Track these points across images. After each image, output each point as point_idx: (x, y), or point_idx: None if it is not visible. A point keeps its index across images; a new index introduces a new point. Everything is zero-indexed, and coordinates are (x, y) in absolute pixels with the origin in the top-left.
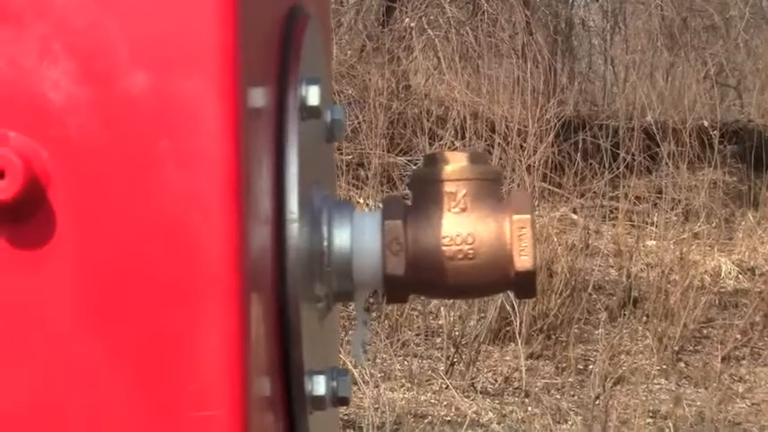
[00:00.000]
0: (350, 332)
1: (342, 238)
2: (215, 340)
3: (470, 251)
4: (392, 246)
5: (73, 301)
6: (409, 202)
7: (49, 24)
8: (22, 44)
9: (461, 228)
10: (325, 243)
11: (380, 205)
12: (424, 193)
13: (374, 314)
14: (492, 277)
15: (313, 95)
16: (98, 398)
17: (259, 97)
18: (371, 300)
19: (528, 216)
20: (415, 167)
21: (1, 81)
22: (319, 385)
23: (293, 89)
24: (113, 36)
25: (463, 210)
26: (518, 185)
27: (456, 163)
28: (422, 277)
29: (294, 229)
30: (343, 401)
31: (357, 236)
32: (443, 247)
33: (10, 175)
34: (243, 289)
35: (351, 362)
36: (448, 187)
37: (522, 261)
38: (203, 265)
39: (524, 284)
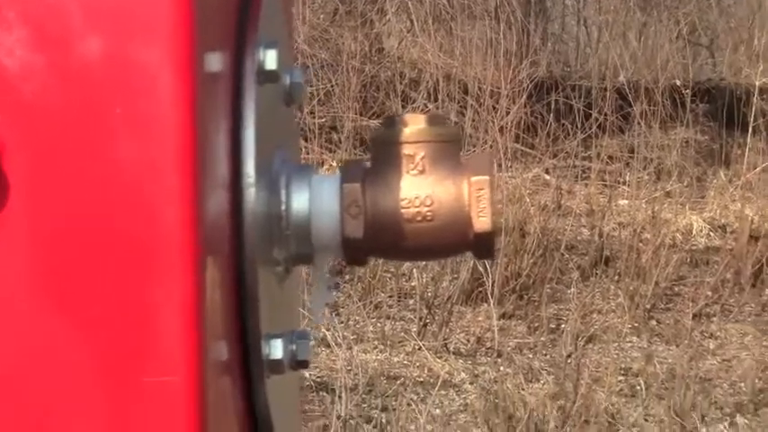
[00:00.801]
0: (311, 294)
1: (300, 201)
2: (171, 306)
3: (429, 213)
4: (351, 209)
5: (27, 270)
6: (368, 165)
7: None
8: None
9: (420, 190)
10: (284, 207)
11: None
12: (382, 156)
13: (347, 277)
14: (451, 239)
15: (270, 59)
16: (55, 366)
17: (215, 62)
18: (344, 263)
19: (487, 177)
20: (375, 130)
21: None
22: (277, 349)
23: (250, 53)
24: (67, 2)
25: (421, 172)
26: (491, 146)
27: (414, 125)
28: (381, 240)
29: (251, 193)
30: (303, 364)
31: (315, 199)
32: (402, 210)
33: None
34: (199, 254)
35: (313, 324)
36: (406, 149)
37: (481, 222)
38: (159, 231)
39: (483, 246)
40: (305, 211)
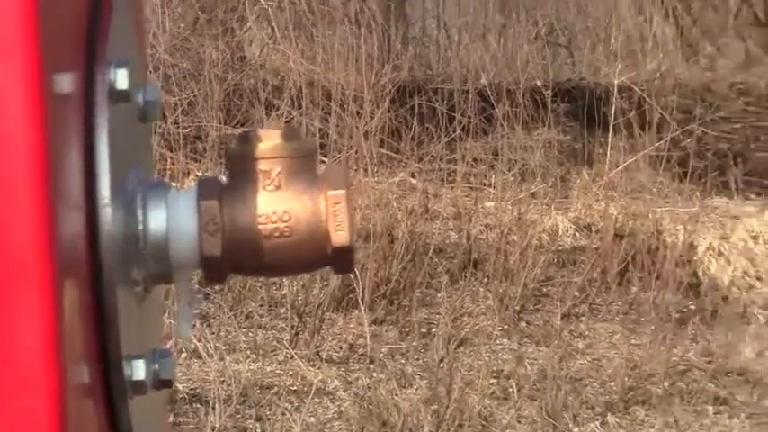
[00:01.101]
0: (177, 314)
1: (157, 220)
2: (29, 330)
3: (286, 229)
4: (208, 226)
5: None
6: (225, 181)
7: None
8: None
9: (277, 205)
10: (141, 227)
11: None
12: (238, 172)
13: (217, 287)
14: (309, 254)
15: (122, 79)
16: None
17: (66, 82)
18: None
19: (343, 191)
20: (230, 146)
21: None
22: (139, 369)
23: (101, 73)
24: None
25: (278, 187)
26: (356, 152)
27: (269, 141)
28: (239, 256)
29: (107, 213)
30: (166, 383)
31: (172, 217)
32: (259, 226)
33: None
34: (55, 276)
35: (179, 341)
36: (262, 165)
37: (339, 237)
38: (13, 254)
39: (342, 260)
40: (162, 231)
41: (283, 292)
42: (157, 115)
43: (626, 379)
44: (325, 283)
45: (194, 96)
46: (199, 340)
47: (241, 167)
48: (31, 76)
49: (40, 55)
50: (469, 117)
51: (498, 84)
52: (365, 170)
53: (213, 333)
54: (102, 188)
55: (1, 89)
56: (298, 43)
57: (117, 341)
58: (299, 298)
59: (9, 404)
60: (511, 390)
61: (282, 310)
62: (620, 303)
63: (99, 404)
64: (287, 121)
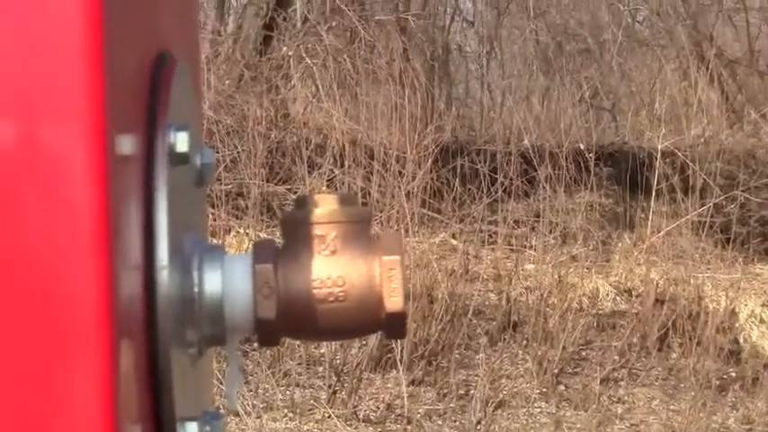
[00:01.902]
0: (225, 378)
1: (212, 283)
2: (87, 391)
3: (341, 294)
4: (263, 290)
5: None
6: (280, 245)
7: None
8: None
9: (331, 270)
10: (196, 289)
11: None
12: (294, 237)
13: (255, 344)
14: (363, 319)
15: (181, 142)
16: None
17: (127, 144)
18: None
19: (397, 257)
20: (285, 211)
21: None
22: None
23: (161, 136)
24: None
25: (333, 252)
26: (398, 212)
27: (325, 206)
28: (293, 320)
29: (164, 276)
30: None
31: (228, 280)
32: (314, 290)
33: None
34: (113, 338)
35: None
36: (318, 230)
37: (392, 302)
38: (73, 317)
39: (394, 325)
40: (218, 293)
41: (322, 351)
42: (211, 179)
43: None
44: (364, 342)
45: (237, 153)
46: (229, 411)
47: (297, 231)
48: (95, 139)
49: (104, 117)
50: (511, 179)
51: (541, 146)
52: (406, 230)
53: (251, 390)
54: (160, 250)
55: (64, 150)
56: (341, 102)
57: (171, 403)
58: (338, 357)
59: None
60: None
61: (320, 369)
62: (659, 369)
63: None
64: (329, 180)
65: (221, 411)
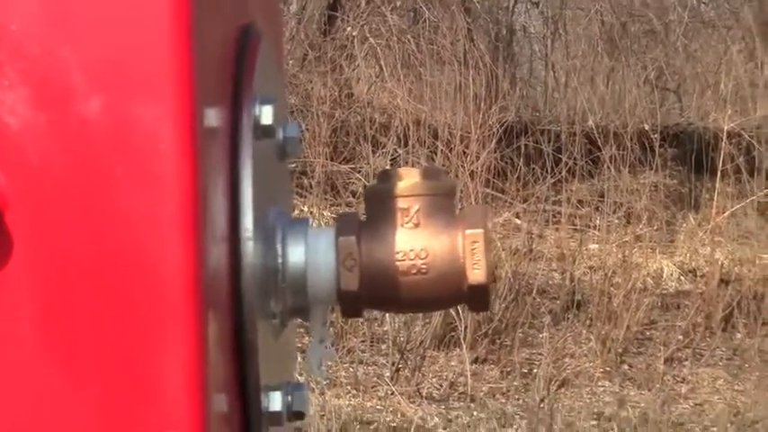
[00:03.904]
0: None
1: (296, 254)
2: (175, 360)
3: (424, 266)
4: (346, 262)
5: (32, 327)
6: (363, 218)
7: (2, 50)
8: None
9: (414, 243)
10: (280, 260)
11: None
12: (377, 210)
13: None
14: (445, 291)
15: (266, 115)
16: (60, 422)
17: (214, 118)
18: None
19: (481, 230)
20: (369, 184)
21: None
22: (275, 401)
23: (247, 109)
24: (68, 61)
25: (416, 225)
26: (461, 192)
27: (409, 179)
28: (376, 292)
29: (249, 247)
30: (299, 415)
31: (311, 252)
32: (397, 263)
33: None
34: (201, 308)
35: (309, 378)
36: (401, 203)
37: (475, 275)
38: (162, 287)
39: (477, 298)
40: (301, 265)
41: (385, 329)
42: (297, 152)
43: (729, 425)
44: (428, 320)
45: (301, 132)
46: (300, 374)
47: (380, 205)
48: (183, 112)
49: (192, 91)
50: (576, 159)
51: (605, 126)
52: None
53: (329, 379)
54: (246, 221)
55: (153, 124)
56: (405, 82)
57: (256, 372)
58: (401, 335)
59: None
60: None
61: (384, 347)
62: (724, 349)
63: None
64: (392, 159)
65: (303, 383)
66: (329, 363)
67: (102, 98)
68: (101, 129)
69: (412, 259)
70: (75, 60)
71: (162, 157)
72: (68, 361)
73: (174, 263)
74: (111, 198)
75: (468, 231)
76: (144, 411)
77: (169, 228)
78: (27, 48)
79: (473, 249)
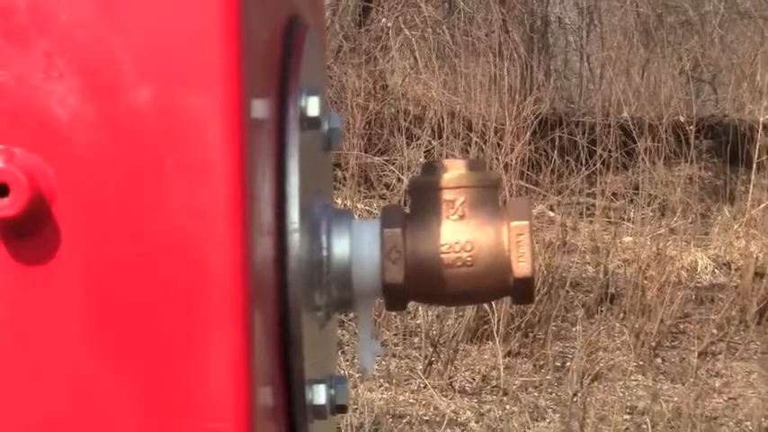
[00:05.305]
0: (356, 343)
1: (341, 247)
2: (221, 352)
3: (469, 258)
4: (391, 254)
5: (79, 318)
6: (408, 211)
7: (52, 40)
8: (28, 60)
9: (460, 235)
10: (325, 252)
11: (379, 214)
12: (422, 202)
13: (351, 315)
14: (491, 284)
15: (313, 106)
16: (106, 413)
17: (261, 109)
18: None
19: (526, 222)
20: (413, 176)
21: (7, 98)
22: (320, 394)
23: (294, 100)
24: (117, 51)
25: (461, 217)
26: None
27: (454, 171)
28: (421, 285)
29: (295, 239)
30: (342, 409)
31: (356, 245)
32: (442, 255)
33: (15, 191)
34: (247, 300)
35: (360, 373)
36: (446, 195)
37: (521, 267)
38: (209, 278)
39: (523, 291)
40: (346, 257)
41: (418, 322)
42: (340, 143)
43: (762, 419)
44: (460, 313)
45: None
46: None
47: (425, 196)
48: (231, 103)
49: (240, 83)
50: (610, 151)
51: (640, 118)
52: (504, 202)
53: (347, 360)
54: (292, 213)
55: (201, 115)
56: (440, 73)
57: (301, 365)
58: (434, 328)
59: (200, 426)
60: (645, 426)
61: (416, 340)
62: (758, 343)
63: (282, 427)
64: (427, 151)
65: (345, 376)
66: (378, 357)
67: (151, 89)
68: (149, 119)
69: (457, 252)
70: (125, 50)
71: (210, 148)
72: (115, 352)
73: (221, 254)
74: (158, 189)
75: (514, 223)
76: (190, 404)
77: (216, 219)
78: (76, 38)
79: (518, 242)
